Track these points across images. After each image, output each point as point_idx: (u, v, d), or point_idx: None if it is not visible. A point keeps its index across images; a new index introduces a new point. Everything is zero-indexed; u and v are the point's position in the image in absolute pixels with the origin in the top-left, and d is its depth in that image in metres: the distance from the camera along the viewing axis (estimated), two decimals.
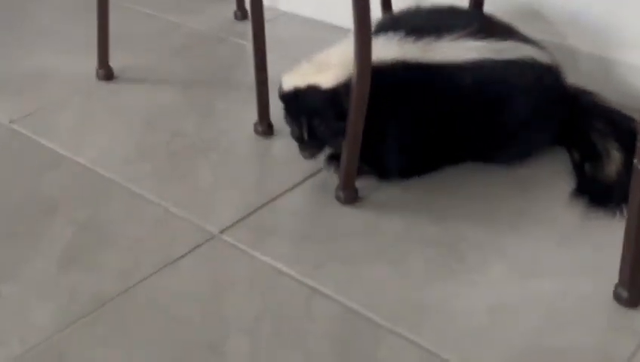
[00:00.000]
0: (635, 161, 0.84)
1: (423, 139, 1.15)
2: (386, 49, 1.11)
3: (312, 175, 1.19)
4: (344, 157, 1.10)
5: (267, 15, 1.31)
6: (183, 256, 1.02)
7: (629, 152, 1.06)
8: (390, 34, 1.13)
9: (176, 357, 0.88)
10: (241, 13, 1.73)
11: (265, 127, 1.29)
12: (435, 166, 1.17)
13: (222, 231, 1.07)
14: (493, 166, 1.19)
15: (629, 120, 1.18)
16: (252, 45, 1.27)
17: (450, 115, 1.13)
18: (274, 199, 1.14)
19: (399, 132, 1.15)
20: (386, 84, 1.08)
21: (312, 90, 1.10)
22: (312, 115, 1.10)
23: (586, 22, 1.37)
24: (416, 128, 1.15)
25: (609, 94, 1.25)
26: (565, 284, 0.97)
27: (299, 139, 1.13)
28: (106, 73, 1.48)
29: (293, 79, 1.12)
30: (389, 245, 1.05)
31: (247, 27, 1.69)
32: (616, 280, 0.92)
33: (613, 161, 1.14)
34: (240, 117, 1.35)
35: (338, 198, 1.12)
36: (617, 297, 0.91)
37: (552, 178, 1.17)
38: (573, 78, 1.24)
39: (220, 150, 1.27)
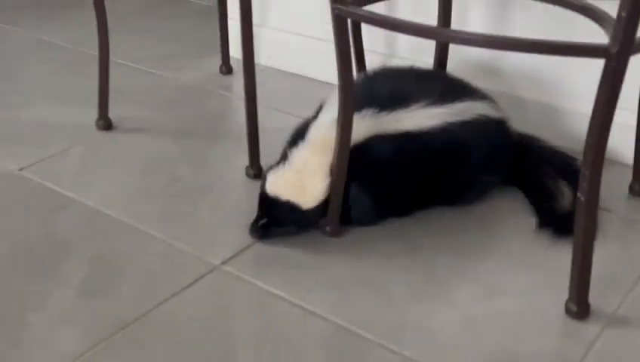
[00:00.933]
0: (579, 194, 0.99)
1: (397, 195, 1.28)
2: (361, 125, 1.21)
3: None
4: (332, 198, 1.21)
5: None
6: (189, 285, 1.13)
7: (576, 187, 1.21)
8: (363, 110, 1.23)
9: None
10: (226, 68, 1.86)
11: (256, 171, 1.40)
12: (408, 213, 1.29)
13: (223, 263, 1.18)
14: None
15: (572, 160, 1.34)
16: (244, 97, 1.38)
17: (419, 173, 1.27)
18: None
19: (376, 191, 1.26)
20: (363, 155, 1.21)
21: (288, 206, 1.19)
22: (276, 222, 1.22)
23: (535, 75, 1.53)
24: (390, 187, 1.27)
25: (554, 137, 1.41)
26: (524, 301, 1.10)
27: (255, 222, 1.22)
28: (106, 124, 1.59)
29: (276, 185, 1.20)
30: (372, 272, 1.17)
31: (232, 80, 1.86)
32: (566, 296, 1.06)
33: (566, 197, 1.30)
34: (231, 162, 1.47)
35: (325, 232, 1.24)
36: (568, 311, 1.04)
37: (507, 214, 1.32)
38: (523, 125, 1.40)
39: (215, 192, 1.38)
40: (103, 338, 1.02)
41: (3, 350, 1.00)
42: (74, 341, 1.02)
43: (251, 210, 1.27)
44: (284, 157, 1.24)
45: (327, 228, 1.23)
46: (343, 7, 1.03)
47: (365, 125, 1.22)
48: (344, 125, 1.14)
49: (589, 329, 1.04)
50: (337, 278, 1.16)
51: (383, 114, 1.23)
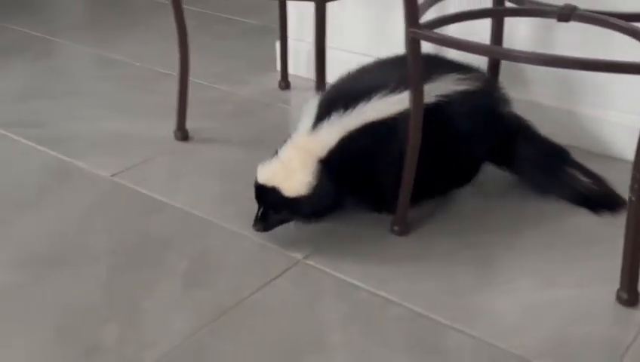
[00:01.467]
0: (630, 195, 1.12)
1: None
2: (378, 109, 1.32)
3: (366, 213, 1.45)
4: (400, 200, 1.35)
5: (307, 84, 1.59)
6: (277, 277, 1.26)
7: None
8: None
9: (286, 350, 1.12)
10: (284, 84, 2.01)
11: None
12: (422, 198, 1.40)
13: (305, 257, 1.31)
14: (504, 203, 1.47)
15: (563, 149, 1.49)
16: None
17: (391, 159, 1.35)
18: (342, 230, 1.40)
19: (395, 178, 1.34)
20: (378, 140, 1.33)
21: (275, 192, 1.31)
22: (270, 207, 1.33)
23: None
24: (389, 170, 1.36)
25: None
26: (579, 291, 1.22)
27: (256, 216, 1.34)
28: (183, 134, 1.74)
29: (265, 174, 1.33)
30: (438, 265, 1.30)
31: (290, 95, 2.00)
32: (617, 286, 1.18)
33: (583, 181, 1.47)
34: None
35: (393, 231, 1.38)
36: (619, 299, 1.17)
37: (557, 212, 1.44)
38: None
39: None
40: (208, 322, 1.16)
41: (124, 331, 1.15)
42: (183, 324, 1.16)
43: None
44: (274, 154, 1.36)
45: (396, 228, 1.37)
46: (418, 31, 1.17)
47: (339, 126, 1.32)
48: (414, 135, 1.28)
49: (638, 315, 1.16)
50: (407, 271, 1.29)
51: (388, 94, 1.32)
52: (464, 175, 1.47)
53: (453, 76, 1.37)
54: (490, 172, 1.50)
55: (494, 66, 1.57)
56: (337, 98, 1.36)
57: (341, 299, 1.22)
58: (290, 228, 1.39)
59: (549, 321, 1.16)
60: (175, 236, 1.39)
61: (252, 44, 2.43)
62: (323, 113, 1.34)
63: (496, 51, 1.15)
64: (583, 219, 1.41)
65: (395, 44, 1.72)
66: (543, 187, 1.47)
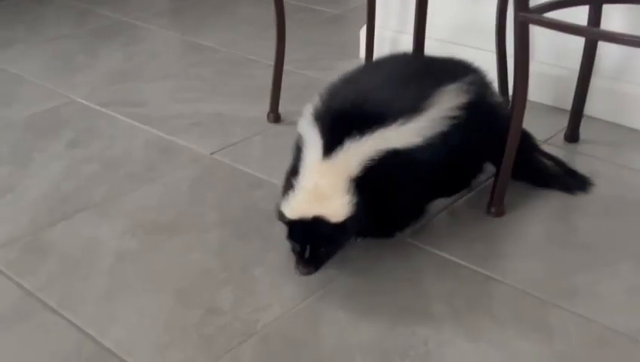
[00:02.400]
0: None
1: (416, 201, 1.35)
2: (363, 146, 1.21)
3: (463, 195, 1.48)
4: (499, 179, 1.38)
5: None
6: (383, 253, 1.30)
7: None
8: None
9: (395, 319, 1.15)
10: None
11: None
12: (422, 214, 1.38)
13: (407, 236, 1.35)
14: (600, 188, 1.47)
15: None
16: None
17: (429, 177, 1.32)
18: (440, 212, 1.43)
19: (402, 203, 1.31)
20: (378, 173, 1.22)
21: (319, 222, 1.16)
22: (319, 243, 1.19)
23: None
24: (409, 196, 1.32)
25: None
26: None
27: (301, 257, 1.19)
28: (276, 117, 1.79)
29: (298, 208, 1.18)
30: (537, 246, 1.33)
31: None
32: None
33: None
34: None
35: (490, 212, 1.40)
36: None
37: None
38: None
39: None
40: (317, 289, 1.22)
41: (239, 295, 1.20)
42: (294, 290, 1.22)
43: None
44: (288, 188, 1.23)
45: (493, 209, 1.39)
46: (528, 15, 1.19)
47: (368, 145, 1.22)
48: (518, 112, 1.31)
49: None
50: (506, 250, 1.33)
51: (381, 132, 1.23)
52: (472, 176, 1.47)
53: (456, 86, 1.32)
54: None
55: (589, 56, 1.57)
56: (343, 113, 1.26)
57: (444, 275, 1.26)
58: None
59: None
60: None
61: (332, 32, 2.48)
62: (332, 133, 1.23)
63: (611, 36, 1.16)
64: None
65: (485, 33, 1.75)
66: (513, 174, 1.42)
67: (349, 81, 1.37)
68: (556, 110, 1.79)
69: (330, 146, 1.21)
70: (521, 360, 1.07)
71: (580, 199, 1.45)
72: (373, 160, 1.21)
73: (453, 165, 1.34)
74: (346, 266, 1.27)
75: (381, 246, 1.32)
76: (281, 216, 1.21)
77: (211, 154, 1.65)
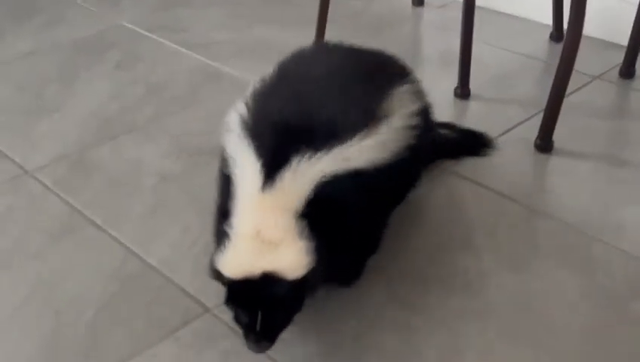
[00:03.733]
0: None
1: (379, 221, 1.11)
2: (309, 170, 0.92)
3: (509, 129, 1.44)
4: (547, 114, 1.34)
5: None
6: (427, 182, 1.29)
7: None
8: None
9: (437, 246, 1.15)
10: (417, 1, 1.99)
11: (465, 91, 1.55)
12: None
13: (450, 166, 1.33)
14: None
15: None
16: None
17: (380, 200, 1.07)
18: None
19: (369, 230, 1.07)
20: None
21: (270, 280, 0.85)
22: (273, 308, 0.88)
23: None
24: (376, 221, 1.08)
25: None
26: None
27: (249, 329, 0.88)
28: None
29: (241, 263, 0.87)
30: (583, 182, 1.30)
31: (423, 12, 1.98)
32: None
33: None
34: (440, 84, 1.59)
35: (537, 147, 1.36)
36: None
37: None
38: None
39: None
40: None
41: None
42: None
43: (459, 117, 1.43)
44: (220, 236, 0.92)
45: (540, 143, 1.35)
46: None
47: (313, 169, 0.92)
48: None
49: None
50: (552, 185, 1.31)
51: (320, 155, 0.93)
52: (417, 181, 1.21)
53: (407, 88, 1.11)
54: None
55: None
56: (282, 125, 0.97)
57: (487, 208, 1.24)
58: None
59: None
60: None
61: None
62: (272, 155, 0.93)
63: None
64: None
65: None
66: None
67: (281, 81, 1.08)
68: (612, 45, 1.72)
69: (272, 173, 0.91)
70: (563, 291, 1.07)
71: (629, 135, 1.41)
72: (330, 185, 0.92)
73: (409, 174, 1.14)
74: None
75: (424, 176, 1.31)
76: (217, 276, 0.89)
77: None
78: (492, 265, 1.12)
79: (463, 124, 1.46)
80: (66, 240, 1.18)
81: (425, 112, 1.15)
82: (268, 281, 0.86)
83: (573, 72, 1.33)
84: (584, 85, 1.58)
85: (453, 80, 1.57)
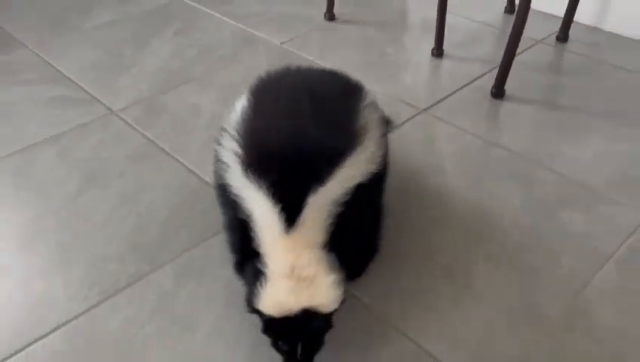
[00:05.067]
0: None
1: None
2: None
3: (472, 81, 1.40)
4: (500, 70, 1.30)
5: None
6: (405, 122, 1.26)
7: None
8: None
9: (414, 172, 1.13)
10: None
11: (440, 52, 1.50)
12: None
13: (425, 109, 1.30)
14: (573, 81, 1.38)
15: None
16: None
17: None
18: (452, 94, 1.36)
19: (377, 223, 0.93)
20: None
21: (310, 315, 0.73)
22: (312, 338, 0.75)
23: None
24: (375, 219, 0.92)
25: None
26: (637, 145, 1.17)
27: (290, 357, 0.75)
28: (331, 16, 1.69)
29: (275, 301, 0.73)
30: (529, 122, 1.26)
31: None
32: None
33: None
34: (421, 46, 1.55)
35: (492, 94, 1.33)
36: None
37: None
38: None
39: (409, 65, 1.49)
40: None
41: None
42: None
43: (438, 77, 1.38)
44: (255, 275, 0.75)
45: (495, 91, 1.32)
46: None
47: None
48: None
49: None
50: (504, 123, 1.27)
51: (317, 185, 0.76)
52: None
53: (368, 103, 0.89)
54: None
55: None
56: (285, 164, 0.77)
57: (453, 140, 1.22)
58: (416, 84, 1.37)
59: (614, 165, 1.14)
60: None
61: None
62: (287, 195, 0.75)
63: None
64: None
65: None
66: None
67: (260, 111, 0.85)
68: (551, 16, 1.65)
69: (292, 214, 0.75)
70: (510, 201, 1.06)
71: (563, 87, 1.37)
72: (341, 209, 0.77)
73: (386, 169, 0.94)
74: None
75: (402, 114, 1.28)
76: (256, 312, 0.75)
77: (281, 44, 1.59)
78: (457, 184, 1.11)
79: (439, 77, 1.43)
80: (143, 163, 1.18)
81: (383, 117, 0.96)
82: (307, 317, 0.72)
83: (522, 37, 1.28)
84: (529, 47, 1.53)
85: (430, 43, 1.52)
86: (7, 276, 0.96)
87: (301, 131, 0.79)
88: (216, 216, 1.00)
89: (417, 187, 1.10)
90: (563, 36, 1.55)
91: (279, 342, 0.75)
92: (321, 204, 0.75)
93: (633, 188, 1.08)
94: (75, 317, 0.89)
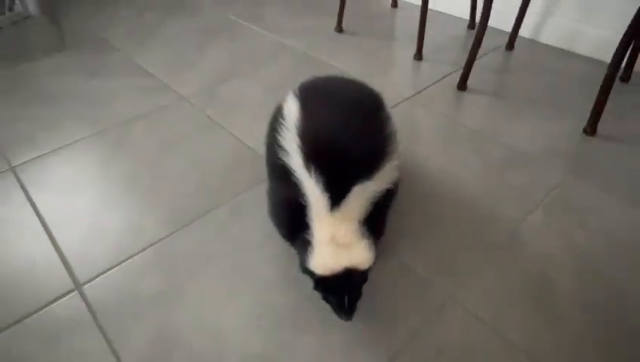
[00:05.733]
0: None
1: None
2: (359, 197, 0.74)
3: (443, 77, 1.37)
4: (464, 70, 1.27)
5: None
6: (398, 104, 1.26)
7: None
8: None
9: (404, 141, 1.13)
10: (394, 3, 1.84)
11: (420, 56, 1.45)
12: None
13: (409, 97, 1.28)
14: None
15: None
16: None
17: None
18: (428, 87, 1.33)
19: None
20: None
21: (351, 273, 0.71)
22: (354, 291, 0.73)
23: None
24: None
25: None
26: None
27: (339, 307, 0.72)
28: (339, 29, 1.64)
29: (323, 263, 0.71)
30: (484, 107, 1.23)
31: (396, 12, 1.84)
32: None
33: None
34: (405, 52, 1.50)
35: (458, 88, 1.31)
36: None
37: None
38: None
39: (396, 65, 1.45)
40: None
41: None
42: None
43: (416, 70, 1.35)
44: (304, 244, 0.74)
45: (460, 85, 1.30)
46: None
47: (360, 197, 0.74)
48: None
49: None
50: (465, 109, 1.24)
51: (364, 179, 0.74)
52: None
53: (389, 116, 0.83)
54: None
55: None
56: (334, 161, 0.74)
57: (430, 120, 1.19)
58: (401, 74, 1.33)
59: (544, 137, 1.11)
60: None
61: None
62: (335, 185, 0.73)
63: None
64: None
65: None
66: None
67: (313, 115, 0.78)
68: (502, 32, 1.60)
69: (336, 198, 0.72)
70: (468, 164, 1.05)
71: (510, 82, 1.34)
72: (374, 200, 0.75)
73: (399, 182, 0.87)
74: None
75: (394, 99, 1.26)
76: (309, 273, 0.73)
77: (303, 49, 1.56)
78: (431, 150, 1.10)
79: (419, 74, 1.40)
80: (204, 134, 1.18)
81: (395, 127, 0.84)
82: (349, 274, 0.70)
83: (481, 47, 1.25)
84: (485, 54, 1.49)
85: (413, 49, 1.49)
86: (112, 210, 0.98)
87: (351, 133, 0.75)
88: (257, 171, 1.00)
89: (403, 152, 1.10)
90: (510, 46, 1.52)
91: (329, 296, 0.72)
92: (361, 194, 0.73)
93: (556, 156, 1.08)
94: (160, 240, 0.91)
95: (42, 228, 0.93)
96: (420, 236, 0.90)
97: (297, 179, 0.74)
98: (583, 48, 1.45)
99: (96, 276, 0.85)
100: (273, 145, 0.79)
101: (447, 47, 1.57)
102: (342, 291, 0.71)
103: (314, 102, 0.81)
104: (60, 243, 0.90)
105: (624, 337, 0.74)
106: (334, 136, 0.75)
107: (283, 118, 0.79)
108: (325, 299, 0.74)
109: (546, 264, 0.85)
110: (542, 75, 1.39)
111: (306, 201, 0.73)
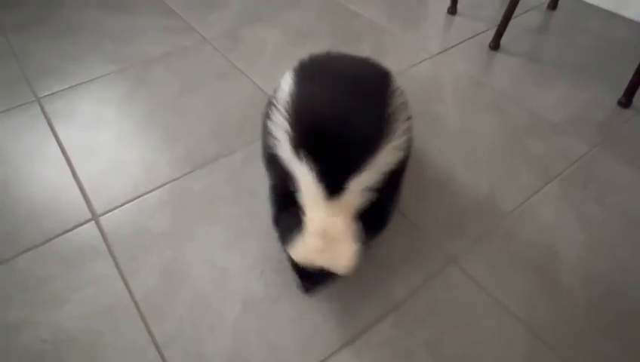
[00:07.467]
0: None
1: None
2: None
3: (475, 35, 1.29)
4: (498, 29, 1.19)
5: None
6: (411, 66, 1.20)
7: None
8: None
9: (424, 98, 1.09)
10: None
11: (454, 11, 1.37)
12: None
13: (437, 54, 1.22)
14: None
15: None
16: None
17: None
18: (459, 44, 1.27)
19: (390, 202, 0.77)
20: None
21: (324, 272, 0.66)
22: (324, 283, 0.70)
23: None
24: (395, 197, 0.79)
25: None
26: None
27: (306, 286, 0.70)
28: None
29: (303, 254, 0.66)
30: (515, 69, 1.17)
31: None
32: None
33: None
34: (439, 7, 1.41)
35: (490, 47, 1.24)
36: None
37: None
38: None
39: (428, 19, 1.37)
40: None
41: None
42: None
43: (448, 26, 1.27)
44: (293, 226, 0.68)
45: (492, 43, 1.21)
46: None
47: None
48: None
49: None
50: (496, 70, 1.18)
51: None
52: None
53: (393, 88, 0.75)
54: None
55: None
56: (329, 144, 0.67)
57: (454, 81, 1.14)
58: (416, 41, 1.27)
59: (571, 107, 1.05)
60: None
61: None
62: (330, 170, 0.66)
63: None
64: None
65: None
66: None
67: (305, 99, 0.71)
68: None
69: (333, 186, 0.66)
70: (488, 126, 1.01)
71: (545, 44, 1.25)
72: (371, 191, 0.68)
73: (409, 152, 0.80)
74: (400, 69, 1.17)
75: (414, 59, 1.19)
76: (290, 258, 0.69)
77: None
78: (452, 110, 1.06)
79: (450, 30, 1.32)
80: (224, 78, 1.16)
81: (405, 102, 0.76)
82: (322, 273, 0.67)
83: (520, 4, 1.16)
84: (525, 12, 1.39)
85: (446, 2, 1.41)
86: (130, 148, 1.00)
87: (345, 117, 0.68)
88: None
89: (423, 111, 1.06)
90: (553, 5, 1.40)
91: (305, 283, 0.70)
92: (361, 181, 0.67)
93: (583, 127, 1.02)
94: (175, 180, 0.93)
95: (64, 159, 0.96)
96: (429, 196, 0.88)
97: (287, 167, 0.68)
98: (632, 12, 1.32)
99: (113, 208, 0.88)
100: (266, 133, 0.74)
101: (485, 2, 1.46)
102: (313, 281, 0.69)
103: (308, 82, 0.74)
104: (80, 175, 0.93)
105: (623, 312, 0.73)
106: (326, 119, 0.68)
107: (276, 99, 0.74)
108: (298, 276, 0.70)
109: (554, 236, 0.83)
110: (582, 39, 1.29)
111: (297, 189, 0.68)
